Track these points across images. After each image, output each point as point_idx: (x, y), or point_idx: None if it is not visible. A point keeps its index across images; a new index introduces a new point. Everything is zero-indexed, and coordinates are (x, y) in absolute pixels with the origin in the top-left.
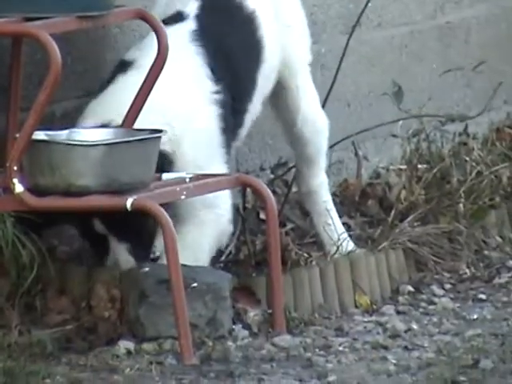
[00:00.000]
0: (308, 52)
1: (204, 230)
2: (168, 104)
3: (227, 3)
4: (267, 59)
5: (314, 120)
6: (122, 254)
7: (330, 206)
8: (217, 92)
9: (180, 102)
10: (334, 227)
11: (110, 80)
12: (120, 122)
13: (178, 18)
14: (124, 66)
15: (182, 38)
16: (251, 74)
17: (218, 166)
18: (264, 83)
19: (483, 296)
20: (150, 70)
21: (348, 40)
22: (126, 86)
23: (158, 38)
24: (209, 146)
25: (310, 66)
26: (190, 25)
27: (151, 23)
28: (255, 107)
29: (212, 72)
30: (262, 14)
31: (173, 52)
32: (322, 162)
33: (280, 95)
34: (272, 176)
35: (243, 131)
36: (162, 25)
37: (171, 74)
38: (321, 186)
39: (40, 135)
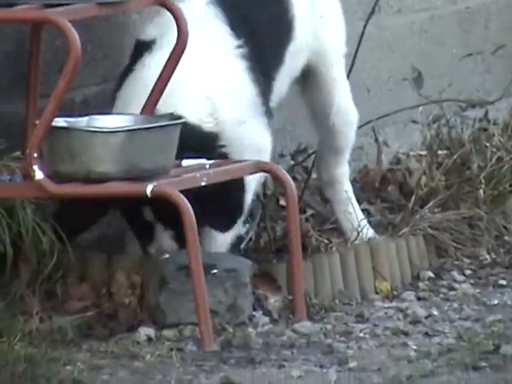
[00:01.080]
0: (343, 43)
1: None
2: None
3: None
4: (297, 38)
5: (347, 112)
6: (166, 241)
7: (351, 194)
8: (239, 46)
9: (204, 63)
10: (354, 215)
11: (134, 62)
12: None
13: None
14: (146, 47)
15: (201, 3)
16: (279, 45)
17: (257, 118)
18: (292, 61)
19: (504, 282)
20: (171, 55)
21: (365, 26)
22: (156, 68)
23: (177, 24)
24: (244, 99)
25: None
26: None
27: (171, 9)
28: (282, 81)
29: (232, 29)
30: None
31: (191, 16)
32: (347, 153)
33: (314, 86)
34: (292, 162)
35: (272, 98)
36: (181, 11)
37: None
38: (343, 176)
39: (60, 122)
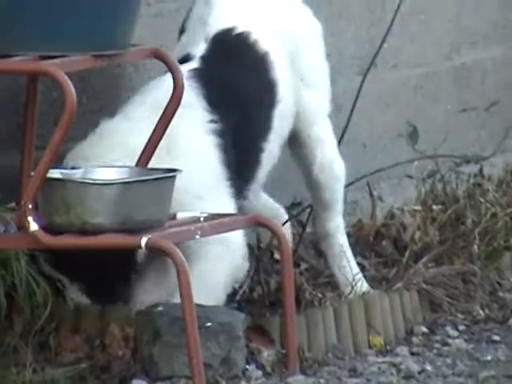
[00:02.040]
0: (326, 103)
1: (218, 266)
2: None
3: (237, 43)
4: (282, 100)
5: (331, 167)
6: (74, 295)
7: (346, 248)
8: (213, 121)
9: (175, 133)
10: (349, 269)
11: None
12: None
13: (186, 59)
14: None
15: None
16: (265, 112)
17: (222, 199)
18: (281, 124)
19: (497, 337)
20: (166, 108)
21: (362, 81)
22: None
23: (173, 77)
24: (209, 176)
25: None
26: (192, 64)
27: (167, 63)
28: (272, 148)
29: (208, 104)
30: (275, 57)
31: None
32: (338, 207)
33: (296, 144)
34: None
35: (261, 172)
36: (177, 64)
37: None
38: (337, 229)
39: (55, 173)
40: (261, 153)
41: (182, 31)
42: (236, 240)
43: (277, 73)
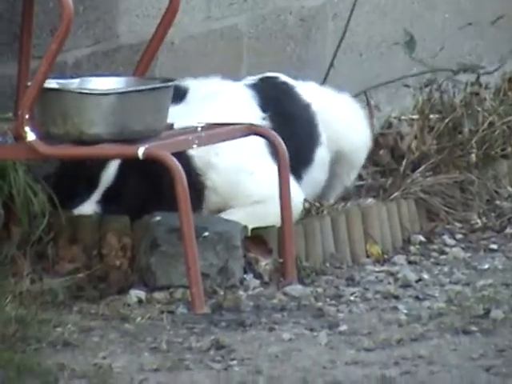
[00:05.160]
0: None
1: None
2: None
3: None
4: (323, 144)
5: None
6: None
7: None
8: (264, 118)
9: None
10: None
11: None
12: None
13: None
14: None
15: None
16: (309, 145)
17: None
18: (318, 167)
19: (494, 246)
20: (163, 18)
21: None
22: None
23: None
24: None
25: None
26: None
27: None
28: (307, 183)
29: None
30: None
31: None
32: None
33: None
34: None
35: None
36: None
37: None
38: None
39: (52, 83)
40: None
41: None
42: (296, 202)
43: (318, 120)
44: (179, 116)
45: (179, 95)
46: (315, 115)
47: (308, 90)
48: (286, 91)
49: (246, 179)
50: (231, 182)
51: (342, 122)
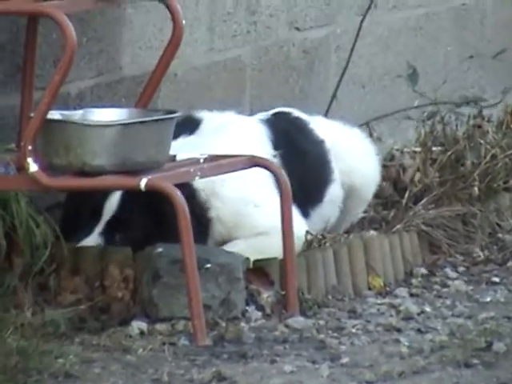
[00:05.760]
0: None
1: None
2: None
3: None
4: (335, 181)
5: None
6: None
7: None
8: (275, 156)
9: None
10: None
11: None
12: None
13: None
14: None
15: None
16: (321, 182)
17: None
18: (329, 204)
19: (496, 279)
20: (167, 48)
21: (362, 21)
22: None
23: (173, 18)
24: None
25: None
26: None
27: (168, 5)
28: (313, 220)
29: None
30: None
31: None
32: None
33: None
34: None
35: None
36: (178, 6)
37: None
38: None
39: (55, 115)
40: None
41: None
42: (299, 234)
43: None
44: (191, 147)
45: (193, 126)
46: (329, 152)
47: (321, 126)
48: (300, 127)
49: (251, 210)
50: (237, 213)
51: (354, 157)
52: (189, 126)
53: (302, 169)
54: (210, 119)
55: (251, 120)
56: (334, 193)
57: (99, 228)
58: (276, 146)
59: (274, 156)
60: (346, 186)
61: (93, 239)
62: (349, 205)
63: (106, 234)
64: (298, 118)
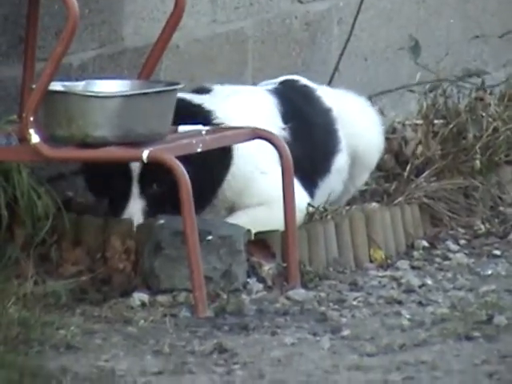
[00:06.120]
0: None
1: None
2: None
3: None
4: (343, 150)
5: None
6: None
7: None
8: (284, 129)
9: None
10: None
11: None
12: None
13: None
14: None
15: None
16: (327, 152)
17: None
18: (336, 174)
19: (498, 252)
20: (168, 22)
21: None
22: None
23: None
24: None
25: None
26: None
27: None
28: (322, 191)
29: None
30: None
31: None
32: None
33: None
34: None
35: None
36: None
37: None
38: None
39: (57, 86)
40: (315, 188)
41: None
42: (300, 206)
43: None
44: (206, 101)
45: (204, 91)
46: (336, 120)
47: (327, 94)
48: (308, 96)
49: (258, 176)
50: (244, 177)
51: (359, 122)
52: (201, 90)
53: (311, 139)
54: (221, 88)
55: (261, 91)
56: (340, 162)
57: (135, 187)
58: (285, 118)
59: (284, 129)
60: (350, 151)
61: (134, 201)
62: (353, 172)
63: (143, 189)
64: (305, 86)
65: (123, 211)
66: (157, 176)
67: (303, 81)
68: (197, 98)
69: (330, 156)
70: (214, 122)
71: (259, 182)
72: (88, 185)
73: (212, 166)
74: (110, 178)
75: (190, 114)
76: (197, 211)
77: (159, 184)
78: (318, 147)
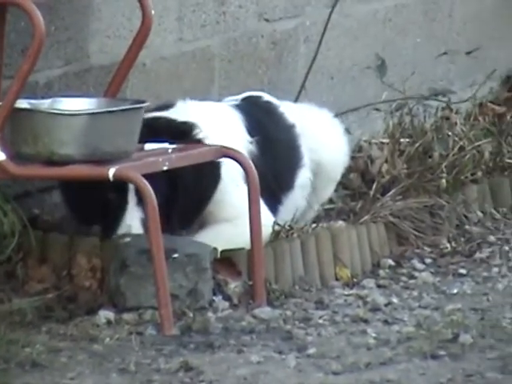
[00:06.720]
0: None
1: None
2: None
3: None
4: (305, 166)
5: None
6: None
7: None
8: (251, 142)
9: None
10: None
11: None
12: None
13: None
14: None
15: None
16: (290, 168)
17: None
18: (299, 189)
19: (463, 271)
20: (135, 39)
21: (330, 13)
22: None
23: (142, 8)
24: None
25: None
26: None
27: None
28: (286, 207)
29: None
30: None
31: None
32: None
33: None
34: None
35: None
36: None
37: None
38: None
39: (23, 104)
40: (279, 205)
41: None
42: (266, 222)
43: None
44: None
45: (167, 106)
46: (299, 137)
47: (290, 109)
48: (271, 112)
49: (234, 190)
50: (224, 191)
51: (322, 135)
52: (163, 107)
53: (274, 155)
54: (184, 104)
55: (225, 107)
56: (303, 178)
57: (132, 198)
58: (250, 133)
59: (251, 143)
60: (314, 164)
61: (132, 212)
62: (317, 185)
63: (139, 200)
64: (268, 102)
65: (119, 224)
66: (153, 186)
67: (266, 97)
68: (169, 114)
69: (292, 172)
70: (196, 137)
71: (234, 195)
72: (68, 200)
73: (203, 180)
74: (100, 191)
75: (171, 130)
76: (188, 226)
77: (155, 194)
78: (281, 163)
